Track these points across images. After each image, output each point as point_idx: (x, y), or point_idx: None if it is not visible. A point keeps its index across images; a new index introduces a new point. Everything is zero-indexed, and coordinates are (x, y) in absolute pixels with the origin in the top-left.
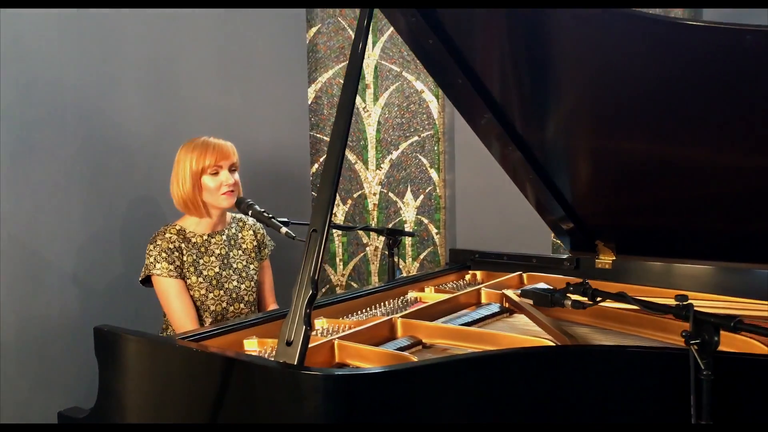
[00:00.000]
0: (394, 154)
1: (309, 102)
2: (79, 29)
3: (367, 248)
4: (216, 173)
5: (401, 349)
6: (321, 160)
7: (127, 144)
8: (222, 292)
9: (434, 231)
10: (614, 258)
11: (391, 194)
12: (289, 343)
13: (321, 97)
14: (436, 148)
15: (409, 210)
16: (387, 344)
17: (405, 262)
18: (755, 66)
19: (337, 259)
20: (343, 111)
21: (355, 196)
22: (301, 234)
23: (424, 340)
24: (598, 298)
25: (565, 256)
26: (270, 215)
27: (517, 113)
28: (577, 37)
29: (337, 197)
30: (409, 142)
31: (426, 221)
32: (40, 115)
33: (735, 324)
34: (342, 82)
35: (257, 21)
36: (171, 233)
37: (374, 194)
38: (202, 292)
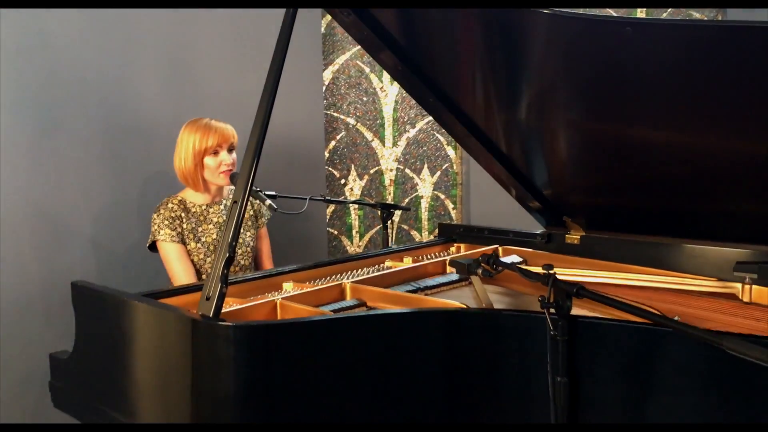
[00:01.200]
0: (411, 132)
1: (327, 82)
2: (100, 19)
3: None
4: (216, 153)
5: (341, 309)
6: (338, 137)
7: (144, 124)
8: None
9: (450, 206)
10: (583, 234)
11: (407, 170)
12: (208, 299)
13: (338, 78)
14: None
15: (425, 186)
16: (330, 305)
17: (421, 236)
18: (704, 55)
19: (354, 231)
20: (265, 97)
21: (371, 172)
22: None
23: (368, 303)
24: (499, 267)
25: (539, 232)
26: (258, 189)
27: (463, 96)
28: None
29: (354, 173)
30: (426, 120)
31: (442, 197)
32: (65, 97)
33: (577, 290)
34: (358, 63)
35: (271, 7)
36: (173, 203)
37: (390, 170)
38: (201, 256)
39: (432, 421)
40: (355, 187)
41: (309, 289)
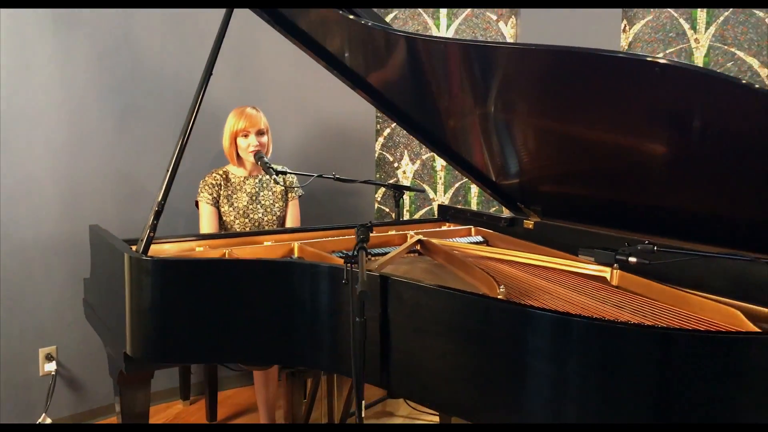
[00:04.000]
0: None
1: None
2: (177, 22)
3: (434, 203)
4: (246, 135)
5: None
6: (393, 124)
7: (213, 110)
8: (247, 220)
9: None
10: (538, 220)
11: None
12: (142, 240)
13: None
14: None
15: None
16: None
17: None
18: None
19: (404, 210)
20: (198, 92)
21: (423, 157)
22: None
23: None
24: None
25: (504, 216)
26: (269, 165)
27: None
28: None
29: (407, 157)
30: None
31: None
32: (146, 88)
33: (355, 249)
34: None
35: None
36: (217, 173)
37: None
38: (231, 218)
39: (271, 348)
40: (407, 170)
41: (261, 246)
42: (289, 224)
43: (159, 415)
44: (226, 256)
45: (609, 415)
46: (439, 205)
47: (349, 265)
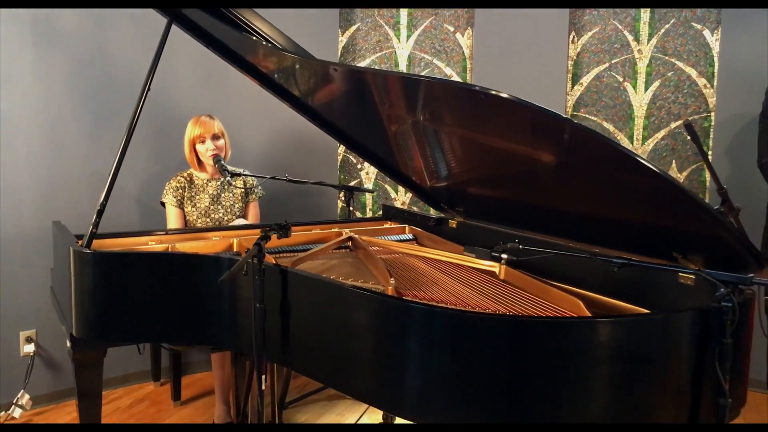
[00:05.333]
0: None
1: None
2: (146, 34)
3: (395, 202)
4: (203, 141)
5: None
6: None
7: (178, 117)
8: (208, 220)
9: None
10: (461, 220)
11: None
12: (86, 236)
13: None
14: None
15: None
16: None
17: None
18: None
19: (367, 209)
20: (138, 102)
21: None
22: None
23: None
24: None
25: (434, 216)
26: (225, 167)
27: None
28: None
29: None
30: None
31: None
32: (118, 95)
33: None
34: (378, 68)
35: (296, 21)
36: (182, 176)
37: None
38: (194, 218)
39: (188, 329)
40: (370, 172)
41: (204, 241)
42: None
43: (132, 394)
44: (169, 250)
45: (460, 387)
46: (383, 205)
47: (253, 258)
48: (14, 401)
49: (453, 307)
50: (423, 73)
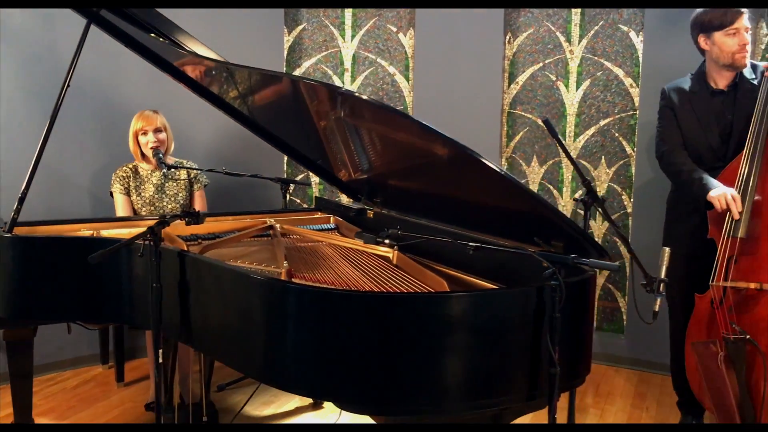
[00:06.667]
0: None
1: None
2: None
3: (341, 195)
4: (145, 133)
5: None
6: None
7: (126, 111)
8: (153, 209)
9: None
10: (378, 210)
11: None
12: (6, 222)
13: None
14: None
15: None
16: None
17: None
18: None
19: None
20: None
21: None
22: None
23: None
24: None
25: (356, 207)
26: (162, 160)
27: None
28: None
29: None
30: None
31: None
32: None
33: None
34: (323, 68)
35: (242, 21)
36: (127, 167)
37: None
38: (139, 206)
39: (93, 308)
40: None
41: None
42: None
43: (80, 376)
44: (93, 235)
45: (327, 358)
46: (315, 197)
47: (149, 241)
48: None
49: (331, 286)
50: (366, 72)
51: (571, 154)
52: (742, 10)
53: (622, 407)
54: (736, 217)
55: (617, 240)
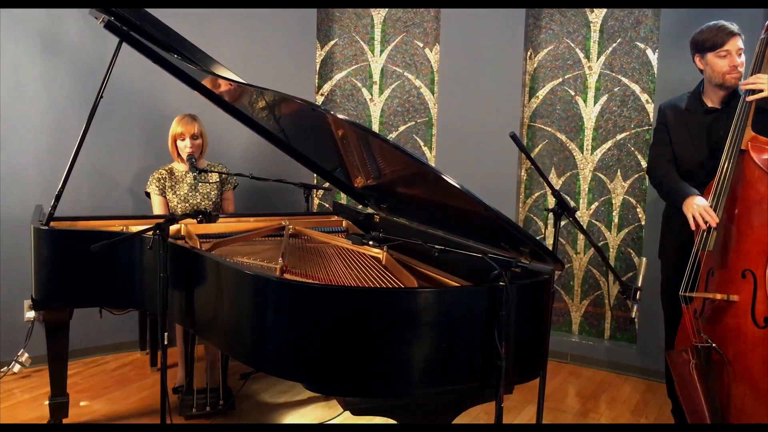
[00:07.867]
0: (394, 134)
1: (326, 93)
2: None
3: None
4: (183, 139)
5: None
6: None
7: (167, 117)
8: (187, 205)
9: None
10: (383, 215)
11: None
12: (45, 215)
13: (335, 90)
14: (429, 131)
15: None
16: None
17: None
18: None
19: None
20: (92, 109)
21: None
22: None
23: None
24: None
25: (366, 212)
26: (194, 165)
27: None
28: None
29: None
30: (408, 125)
31: None
32: (116, 99)
33: (168, 218)
34: (353, 80)
35: (275, 35)
36: (163, 169)
37: None
38: (174, 203)
39: (116, 294)
40: None
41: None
42: (226, 210)
43: (120, 360)
44: (123, 230)
45: (305, 345)
46: (333, 202)
47: (158, 235)
48: (15, 358)
49: (317, 282)
50: (394, 85)
51: (588, 167)
52: (736, 32)
53: (621, 413)
54: (713, 225)
55: (631, 251)
